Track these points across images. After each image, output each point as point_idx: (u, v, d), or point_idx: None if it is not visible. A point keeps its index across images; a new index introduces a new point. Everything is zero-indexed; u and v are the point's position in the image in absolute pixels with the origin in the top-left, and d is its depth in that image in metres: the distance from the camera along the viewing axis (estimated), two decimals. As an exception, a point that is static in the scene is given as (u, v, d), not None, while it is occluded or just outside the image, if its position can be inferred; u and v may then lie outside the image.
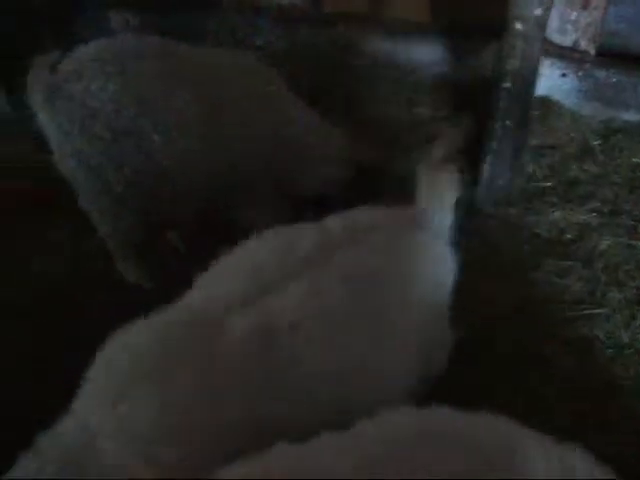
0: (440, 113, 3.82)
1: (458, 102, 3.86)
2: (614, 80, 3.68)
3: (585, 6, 3.50)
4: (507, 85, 2.78)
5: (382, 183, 3.06)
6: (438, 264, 1.98)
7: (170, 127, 2.53)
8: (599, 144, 3.61)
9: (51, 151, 2.56)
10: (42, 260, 3.03)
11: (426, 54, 4.23)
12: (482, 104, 3.61)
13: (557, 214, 3.19)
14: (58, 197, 2.85)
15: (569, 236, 3.08)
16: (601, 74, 3.69)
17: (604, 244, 3.04)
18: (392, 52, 4.25)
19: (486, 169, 3.10)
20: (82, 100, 2.43)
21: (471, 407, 1.43)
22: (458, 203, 2.06)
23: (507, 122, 2.88)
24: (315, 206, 2.99)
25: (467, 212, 3.14)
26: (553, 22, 3.54)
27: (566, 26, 3.63)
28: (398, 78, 4.10)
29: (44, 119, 2.49)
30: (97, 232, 2.76)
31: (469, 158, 3.38)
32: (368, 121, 3.69)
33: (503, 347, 2.61)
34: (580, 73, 3.71)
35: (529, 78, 2.80)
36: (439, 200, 2.00)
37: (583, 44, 3.66)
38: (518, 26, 2.63)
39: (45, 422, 1.54)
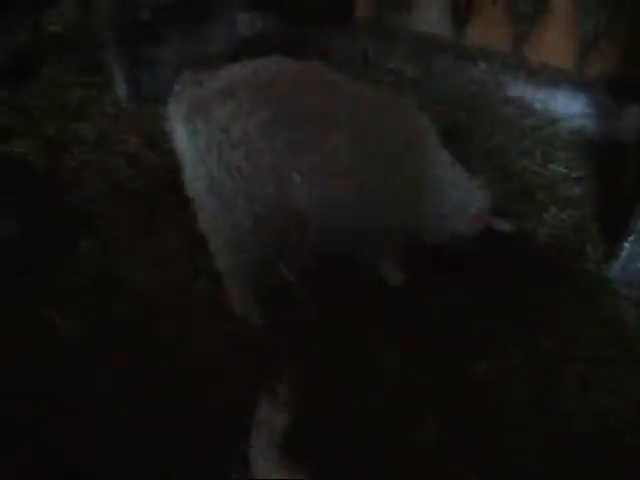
0: (575, 173, 3.67)
1: (596, 164, 3.70)
2: None
3: None
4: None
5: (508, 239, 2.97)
6: None
7: (316, 170, 2.38)
8: None
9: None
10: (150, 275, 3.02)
11: (566, 105, 4.07)
12: (625, 169, 3.47)
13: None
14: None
15: None
16: None
17: None
18: (533, 98, 4.12)
19: (626, 248, 2.95)
20: (226, 125, 2.26)
21: None
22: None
23: (661, 203, 2.72)
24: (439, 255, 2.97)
25: (600, 291, 3.03)
26: None
27: None
28: (535, 127, 3.96)
29: (181, 135, 2.35)
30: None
31: (607, 229, 3.26)
32: (504, 172, 3.59)
33: None
34: None
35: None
36: None
37: None
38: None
39: None
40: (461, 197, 2.82)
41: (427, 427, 2.47)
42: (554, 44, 4.21)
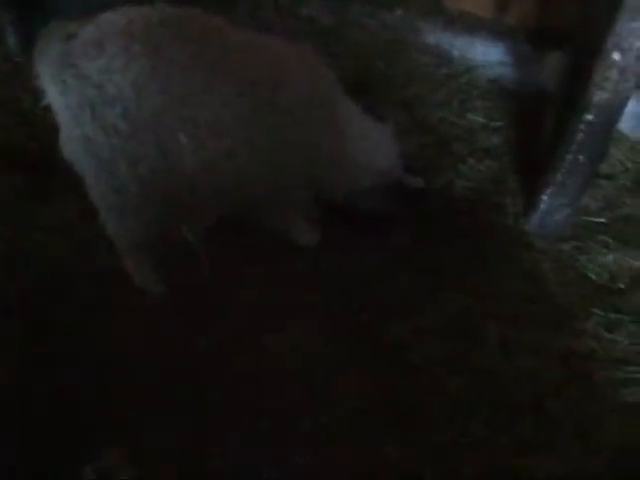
0: (493, 123, 3.50)
1: (515, 113, 3.54)
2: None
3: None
4: (589, 117, 2.46)
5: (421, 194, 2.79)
6: None
7: (202, 127, 2.13)
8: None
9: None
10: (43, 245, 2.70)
11: (484, 54, 3.88)
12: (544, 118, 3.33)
13: (609, 257, 2.90)
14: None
15: (621, 285, 2.82)
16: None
17: (659, 298, 2.78)
18: (450, 46, 3.90)
19: (544, 201, 2.80)
20: (98, 81, 2.01)
21: None
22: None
23: (580, 157, 2.57)
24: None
25: (518, 245, 2.89)
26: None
27: None
28: (452, 76, 3.75)
29: (52, 95, 2.10)
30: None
31: (526, 181, 3.11)
32: (420, 123, 3.38)
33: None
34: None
35: (616, 113, 2.48)
36: None
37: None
38: (615, 57, 2.30)
39: None
40: (369, 150, 2.59)
41: (346, 396, 2.30)
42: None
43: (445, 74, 3.77)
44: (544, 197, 2.80)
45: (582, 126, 2.51)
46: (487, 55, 3.85)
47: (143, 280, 2.50)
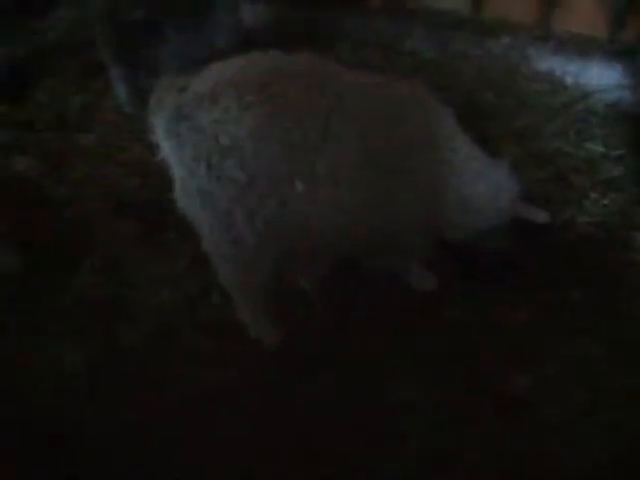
0: (615, 151, 3.30)
1: (637, 140, 3.33)
2: None
3: None
4: None
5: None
6: None
7: (319, 173, 2.10)
8: None
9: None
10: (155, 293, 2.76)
11: (600, 77, 3.70)
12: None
13: None
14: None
15: None
16: None
17: None
18: (563, 72, 3.75)
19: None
20: (213, 133, 2.01)
21: None
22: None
23: None
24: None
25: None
26: None
27: None
28: (567, 104, 3.60)
29: (166, 148, 2.12)
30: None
31: None
32: (534, 155, 3.25)
33: None
34: None
35: None
36: None
37: None
38: None
39: None
40: (487, 187, 2.49)
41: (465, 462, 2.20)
42: (583, 11, 3.83)
43: (559, 102, 3.62)
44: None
45: None
46: (603, 78, 3.68)
47: (258, 330, 2.50)
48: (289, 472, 2.15)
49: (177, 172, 2.14)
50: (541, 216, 2.54)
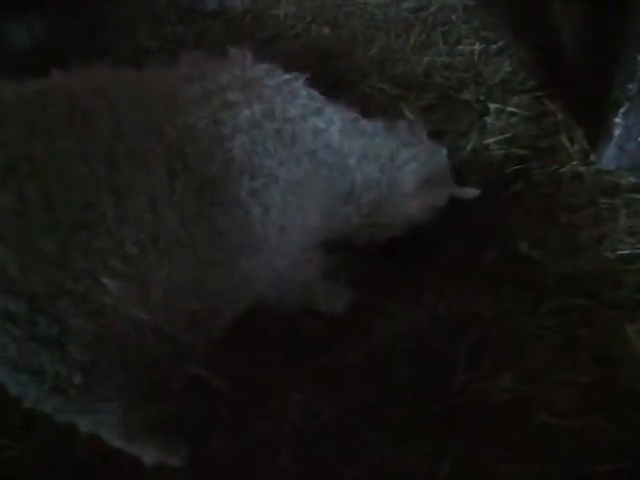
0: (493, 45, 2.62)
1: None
2: None
3: None
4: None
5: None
6: None
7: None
8: None
9: None
10: None
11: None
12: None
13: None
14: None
15: None
16: None
17: None
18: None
19: (617, 124, 1.97)
20: None
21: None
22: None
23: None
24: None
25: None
26: None
27: None
28: (417, 9, 2.86)
29: None
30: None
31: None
32: (406, 84, 2.53)
33: None
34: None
35: None
36: None
37: None
38: None
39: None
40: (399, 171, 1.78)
41: None
42: None
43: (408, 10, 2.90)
44: (617, 119, 1.97)
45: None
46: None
47: (155, 457, 1.71)
48: None
49: None
50: (472, 192, 1.84)
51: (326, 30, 2.97)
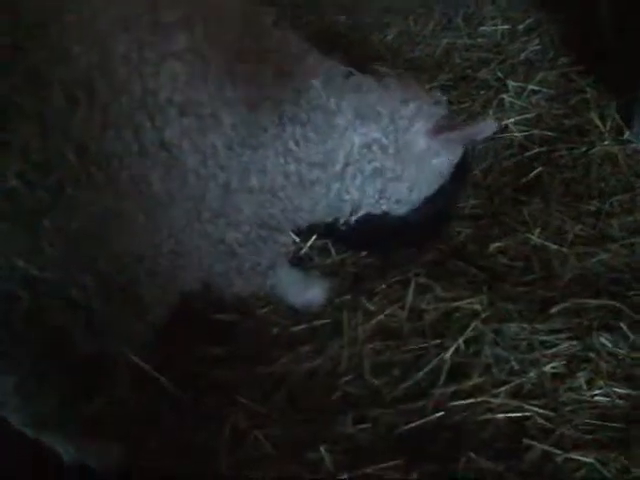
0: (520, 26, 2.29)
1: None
2: None
3: None
4: None
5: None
6: None
7: None
8: None
9: None
10: None
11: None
12: None
13: None
14: None
15: None
16: None
17: None
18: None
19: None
20: None
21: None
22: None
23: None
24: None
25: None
26: None
27: None
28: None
29: None
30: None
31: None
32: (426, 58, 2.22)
33: None
34: None
35: None
36: None
37: None
38: None
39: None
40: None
41: None
42: None
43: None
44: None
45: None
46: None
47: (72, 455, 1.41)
48: None
49: None
50: (490, 126, 1.45)
51: (342, 18, 2.72)
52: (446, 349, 1.36)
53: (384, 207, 1.39)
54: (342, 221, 1.44)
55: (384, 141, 1.33)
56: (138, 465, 1.31)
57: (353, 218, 1.42)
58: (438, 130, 1.38)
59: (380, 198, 1.36)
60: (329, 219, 1.45)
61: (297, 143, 1.26)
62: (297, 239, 1.58)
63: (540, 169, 1.78)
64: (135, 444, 1.33)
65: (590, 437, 1.19)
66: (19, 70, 0.97)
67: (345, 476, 1.21)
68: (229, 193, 1.19)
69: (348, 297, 1.54)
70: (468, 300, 1.40)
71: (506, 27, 2.34)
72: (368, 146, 1.34)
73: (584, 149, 1.77)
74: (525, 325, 1.34)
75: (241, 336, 1.54)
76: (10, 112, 0.96)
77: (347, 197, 1.37)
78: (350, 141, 1.30)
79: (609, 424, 1.20)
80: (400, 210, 1.43)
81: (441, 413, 1.28)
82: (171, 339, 1.43)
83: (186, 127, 1.09)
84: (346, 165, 1.33)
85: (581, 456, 1.15)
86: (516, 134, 1.90)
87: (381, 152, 1.35)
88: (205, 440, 1.33)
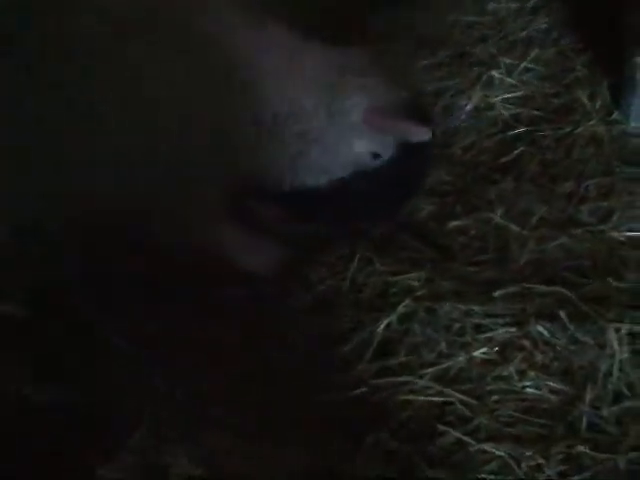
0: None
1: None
2: None
3: None
4: None
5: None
6: None
7: None
8: None
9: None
10: None
11: None
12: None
13: None
14: None
15: None
16: None
17: None
18: None
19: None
20: None
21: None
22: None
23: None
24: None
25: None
26: None
27: None
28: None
29: None
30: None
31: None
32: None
33: None
34: None
35: None
36: None
37: None
38: None
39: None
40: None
41: None
42: None
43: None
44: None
45: None
46: None
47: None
48: None
49: None
50: (422, 133, 1.36)
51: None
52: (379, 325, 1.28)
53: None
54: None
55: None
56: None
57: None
58: (372, 113, 1.32)
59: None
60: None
61: None
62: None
63: (522, 149, 1.65)
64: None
65: (510, 430, 1.08)
66: None
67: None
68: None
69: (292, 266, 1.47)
70: (405, 276, 1.31)
71: (513, 5, 2.19)
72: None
73: (569, 129, 1.62)
74: (461, 306, 1.23)
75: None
76: None
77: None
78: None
79: (534, 419, 1.09)
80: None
81: (363, 389, 1.20)
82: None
83: None
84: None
85: (494, 449, 1.04)
86: (503, 112, 1.78)
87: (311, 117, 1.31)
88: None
